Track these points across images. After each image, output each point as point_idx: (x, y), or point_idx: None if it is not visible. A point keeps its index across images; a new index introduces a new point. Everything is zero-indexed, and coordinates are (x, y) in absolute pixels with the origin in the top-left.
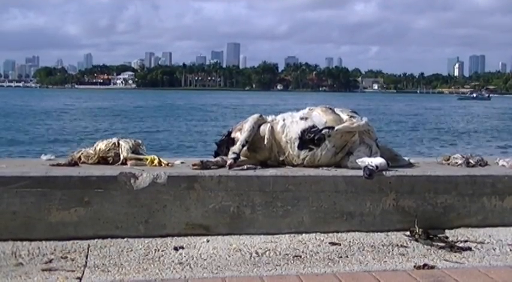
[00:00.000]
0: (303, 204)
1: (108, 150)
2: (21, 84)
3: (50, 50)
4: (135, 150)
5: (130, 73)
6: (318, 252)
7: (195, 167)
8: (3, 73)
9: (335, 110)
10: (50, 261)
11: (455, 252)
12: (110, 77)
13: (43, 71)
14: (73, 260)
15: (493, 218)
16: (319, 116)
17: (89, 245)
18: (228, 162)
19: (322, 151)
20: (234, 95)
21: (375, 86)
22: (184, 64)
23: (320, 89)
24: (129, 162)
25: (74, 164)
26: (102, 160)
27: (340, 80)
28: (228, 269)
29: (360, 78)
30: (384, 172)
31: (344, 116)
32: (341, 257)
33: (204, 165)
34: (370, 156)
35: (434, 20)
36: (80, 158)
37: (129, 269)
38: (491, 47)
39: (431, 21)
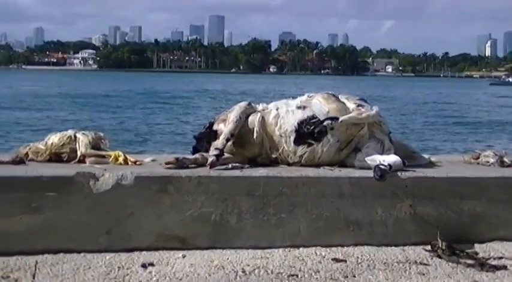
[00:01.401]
0: (300, 212)
1: (63, 145)
2: None
3: None
4: (95, 145)
5: (91, 51)
6: (319, 271)
7: (169, 165)
8: None
9: (339, 97)
10: None
11: (487, 271)
12: (65, 56)
13: None
14: (16, 281)
15: None
16: (320, 105)
17: (36, 262)
18: (210, 159)
19: (323, 147)
20: (217, 79)
21: (389, 69)
22: (156, 41)
23: (322, 72)
24: (88, 160)
25: (19, 161)
26: (55, 157)
27: (346, 61)
28: None
29: (370, 59)
30: (398, 173)
31: (350, 105)
32: (347, 276)
33: (180, 164)
34: (381, 153)
35: None
36: (27, 154)
37: None
38: None
39: None
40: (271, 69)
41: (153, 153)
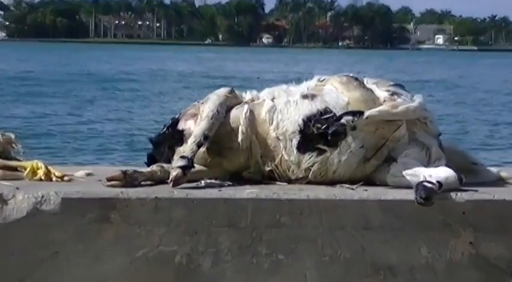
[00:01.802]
0: (306, 251)
1: None
2: None
3: None
4: (3, 151)
5: None
6: None
7: (112, 182)
8: None
9: (365, 81)
10: None
11: None
12: None
13: None
14: None
15: None
16: (336, 93)
17: None
18: (173, 173)
19: (340, 155)
20: (184, 54)
21: (439, 40)
22: None
23: (340, 43)
24: None
25: None
26: None
27: (375, 29)
28: None
29: (411, 25)
30: (451, 194)
31: (381, 93)
32: None
33: (128, 180)
34: (427, 164)
35: None
36: None
37: None
38: None
39: None
40: (264, 40)
41: (89, 165)
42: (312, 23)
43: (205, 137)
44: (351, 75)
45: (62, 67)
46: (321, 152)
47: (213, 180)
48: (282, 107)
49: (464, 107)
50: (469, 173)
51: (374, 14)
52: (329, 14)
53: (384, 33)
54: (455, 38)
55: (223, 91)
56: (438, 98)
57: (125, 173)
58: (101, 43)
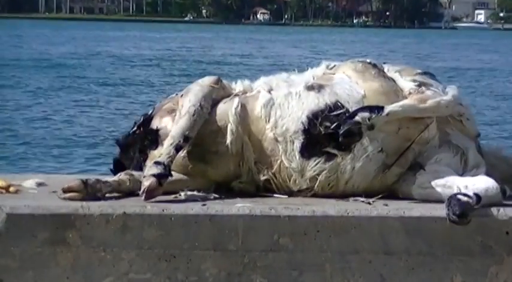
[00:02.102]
0: (311, 281)
1: None
2: None
3: None
4: None
5: None
6: None
7: (69, 194)
8: None
9: (385, 69)
10: None
11: None
12: None
13: None
14: None
15: None
16: (348, 83)
17: None
18: (146, 183)
19: (354, 161)
20: (158, 33)
21: (480, 17)
22: None
23: (354, 20)
24: None
25: None
26: None
27: (399, 2)
28: None
29: None
30: (492, 209)
31: (405, 83)
32: None
33: (90, 191)
34: (463, 173)
35: None
36: None
37: None
38: None
39: None
40: (259, 16)
41: (41, 172)
42: None
43: (186, 138)
44: (368, 61)
45: (3, 50)
46: (330, 157)
47: (195, 192)
48: (281, 100)
49: (510, 102)
50: None
51: None
52: None
53: (410, 7)
54: (501, 14)
55: (207, 81)
56: (478, 90)
57: (85, 182)
58: (53, 19)
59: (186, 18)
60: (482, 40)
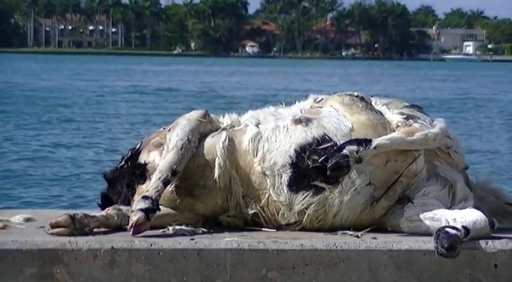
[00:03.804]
0: None
1: None
2: None
3: None
4: None
5: None
6: None
7: (57, 229)
8: None
9: (372, 101)
10: None
11: None
12: None
13: None
14: None
15: None
16: (336, 116)
17: None
18: (134, 218)
19: (343, 195)
20: (146, 66)
21: (469, 48)
22: None
23: (343, 53)
24: None
25: None
26: None
27: (388, 34)
28: None
29: (433, 28)
30: (481, 242)
31: (392, 116)
32: None
33: (77, 226)
34: (451, 205)
35: None
36: None
37: None
38: None
39: None
40: (248, 49)
41: (28, 208)
42: (308, 27)
43: (173, 172)
44: (355, 94)
45: None
46: (318, 190)
47: (183, 227)
48: (269, 134)
49: (498, 134)
50: (504, 216)
51: (387, 15)
52: (330, 15)
53: (398, 39)
54: (489, 46)
55: (195, 115)
56: (465, 122)
57: (73, 217)
58: (41, 53)
59: (175, 52)
60: (470, 72)
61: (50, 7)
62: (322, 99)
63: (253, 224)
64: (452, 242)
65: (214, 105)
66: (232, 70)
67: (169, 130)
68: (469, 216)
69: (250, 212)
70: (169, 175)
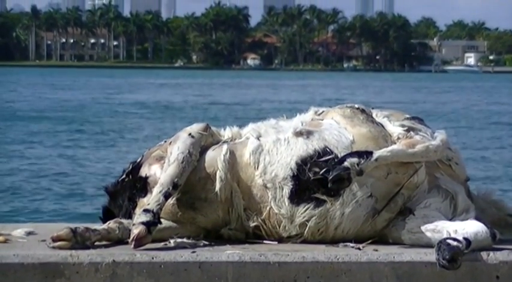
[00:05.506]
0: None
1: None
2: None
3: None
4: None
5: None
6: None
7: (58, 243)
8: None
9: (373, 114)
10: None
11: None
12: None
13: None
14: None
15: None
16: (337, 129)
17: None
18: (135, 231)
19: (344, 207)
20: (147, 79)
21: (470, 60)
22: (35, 9)
23: (344, 65)
24: None
25: None
26: None
27: (389, 46)
28: None
29: (435, 40)
30: (483, 254)
31: (393, 128)
32: None
33: (79, 239)
34: (452, 217)
35: None
36: None
37: None
38: None
39: None
40: (250, 62)
41: (30, 221)
42: (309, 39)
43: (175, 185)
44: (356, 106)
45: None
46: (320, 203)
47: (184, 240)
48: (270, 146)
49: (501, 145)
50: (505, 227)
51: (388, 27)
52: (331, 27)
53: (400, 51)
54: (491, 57)
55: (196, 128)
56: (467, 134)
57: (74, 231)
58: (43, 67)
59: (177, 64)
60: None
61: (52, 21)
62: (323, 111)
63: (254, 236)
64: (454, 254)
65: (215, 118)
66: (233, 82)
67: (170, 143)
68: (470, 227)
69: (252, 224)
70: (171, 188)
